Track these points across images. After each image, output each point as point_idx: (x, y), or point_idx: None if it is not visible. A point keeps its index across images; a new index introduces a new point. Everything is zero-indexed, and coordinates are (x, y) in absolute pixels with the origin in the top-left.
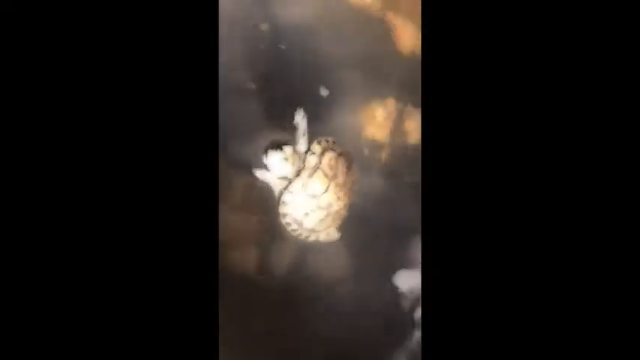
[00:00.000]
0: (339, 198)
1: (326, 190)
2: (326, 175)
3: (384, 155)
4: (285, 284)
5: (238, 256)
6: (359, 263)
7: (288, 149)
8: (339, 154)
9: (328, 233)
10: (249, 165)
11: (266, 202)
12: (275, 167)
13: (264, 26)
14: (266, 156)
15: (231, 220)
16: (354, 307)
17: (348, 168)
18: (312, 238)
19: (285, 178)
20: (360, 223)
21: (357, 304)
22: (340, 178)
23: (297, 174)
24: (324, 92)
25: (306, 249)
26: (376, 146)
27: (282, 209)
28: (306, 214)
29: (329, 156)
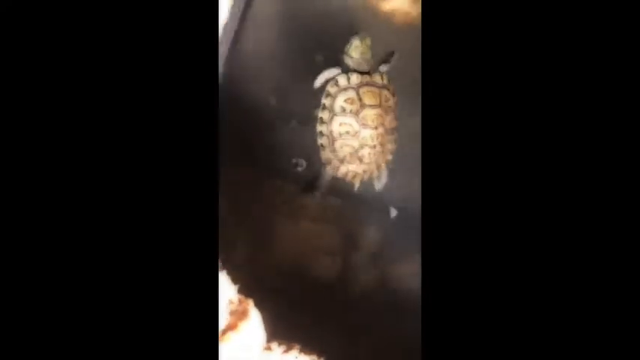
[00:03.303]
0: (377, 137)
1: (373, 107)
2: (380, 98)
3: None
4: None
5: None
6: None
7: (369, 40)
8: (397, 116)
9: (349, 174)
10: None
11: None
12: (353, 50)
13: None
14: (351, 42)
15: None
16: None
17: (393, 130)
18: (334, 165)
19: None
20: None
21: None
22: (387, 124)
23: (359, 85)
24: None
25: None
26: None
27: (323, 113)
28: (341, 133)
29: (391, 96)
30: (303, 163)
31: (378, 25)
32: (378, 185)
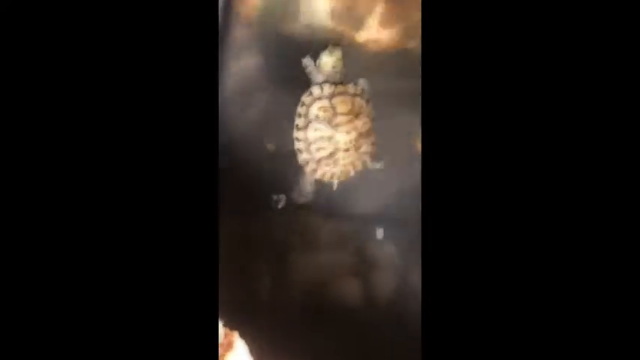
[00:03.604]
0: (350, 142)
1: (346, 115)
2: (353, 105)
3: None
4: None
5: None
6: None
7: (339, 52)
8: (372, 119)
9: (326, 175)
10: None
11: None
12: (323, 64)
13: None
14: (320, 56)
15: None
16: None
17: (368, 133)
18: (310, 167)
19: (321, 85)
20: None
21: None
22: (360, 129)
23: (332, 94)
24: None
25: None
26: None
27: (299, 120)
28: (316, 139)
29: (365, 103)
30: (283, 198)
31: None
32: (377, 166)
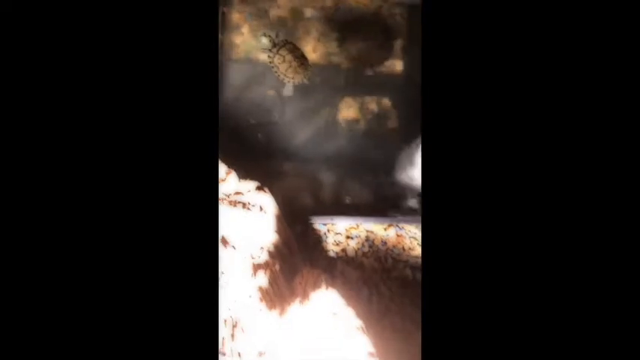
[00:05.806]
0: (298, 59)
1: (288, 53)
2: (287, 48)
3: None
4: None
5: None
6: None
7: (268, 32)
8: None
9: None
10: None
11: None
12: (264, 42)
13: None
14: (261, 39)
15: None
16: None
17: (301, 56)
18: (290, 82)
19: (269, 49)
20: None
21: None
22: (297, 53)
23: (277, 49)
24: None
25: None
26: None
27: (275, 69)
28: (285, 69)
29: (291, 43)
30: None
31: None
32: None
